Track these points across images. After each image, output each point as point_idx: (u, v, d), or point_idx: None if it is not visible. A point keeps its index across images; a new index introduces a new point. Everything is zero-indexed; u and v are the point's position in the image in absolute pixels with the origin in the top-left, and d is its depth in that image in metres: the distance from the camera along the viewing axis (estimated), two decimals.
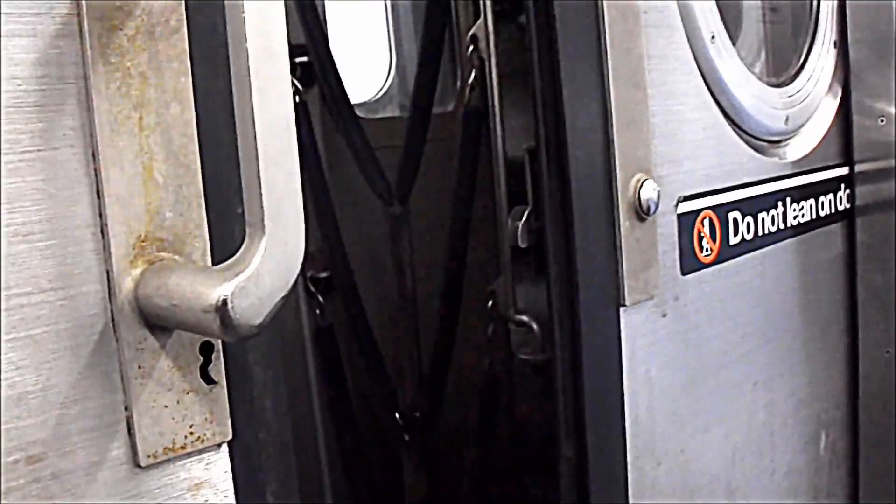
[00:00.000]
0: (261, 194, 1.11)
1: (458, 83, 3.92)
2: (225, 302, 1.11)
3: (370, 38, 4.00)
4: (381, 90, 3.98)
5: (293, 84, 2.94)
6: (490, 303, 3.73)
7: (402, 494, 3.51)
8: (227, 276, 1.13)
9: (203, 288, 1.14)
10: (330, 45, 3.09)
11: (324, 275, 3.06)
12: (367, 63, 3.96)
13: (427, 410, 3.46)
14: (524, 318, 3.53)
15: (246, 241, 1.14)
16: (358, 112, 3.35)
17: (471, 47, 3.70)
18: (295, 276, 1.15)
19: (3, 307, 1.18)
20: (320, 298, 2.96)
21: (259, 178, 1.11)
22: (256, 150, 1.11)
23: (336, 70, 3.13)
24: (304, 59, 3.06)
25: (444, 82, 3.79)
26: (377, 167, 3.36)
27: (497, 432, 3.70)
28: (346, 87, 3.20)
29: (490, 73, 3.38)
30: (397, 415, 3.43)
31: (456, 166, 3.56)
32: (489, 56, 3.41)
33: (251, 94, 1.10)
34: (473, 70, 3.62)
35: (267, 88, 1.10)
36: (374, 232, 3.47)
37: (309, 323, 2.98)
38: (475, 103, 3.57)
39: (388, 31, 4.00)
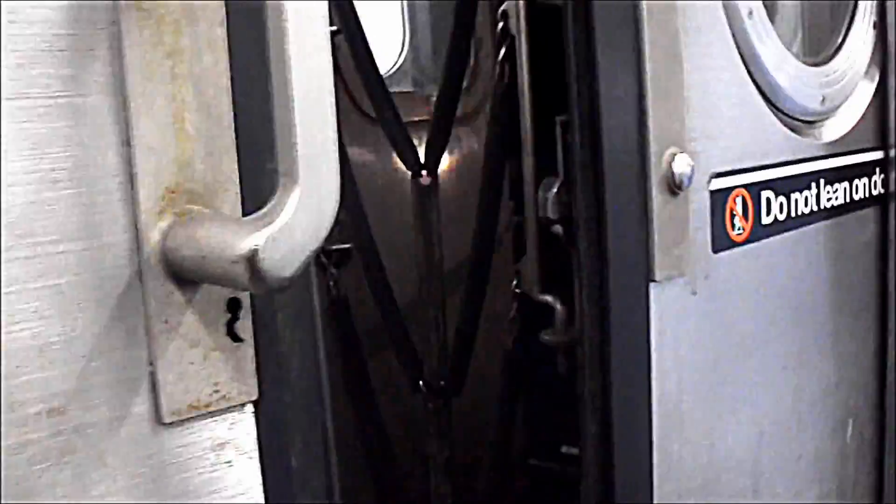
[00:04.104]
0: (295, 142, 1.08)
1: (472, 61, 3.92)
2: (255, 253, 1.08)
3: (383, 13, 3.99)
4: (394, 65, 3.98)
5: None
6: (515, 281, 3.72)
7: (426, 462, 3.51)
8: (258, 227, 1.10)
9: (233, 238, 1.11)
10: (356, 12, 3.06)
11: (337, 247, 3.05)
12: (379, 39, 3.96)
13: (451, 380, 3.46)
14: (548, 298, 3.52)
15: (278, 191, 1.11)
16: None
17: (500, 24, 3.68)
18: (328, 229, 1.12)
19: (28, 254, 1.15)
20: (333, 270, 2.94)
21: (293, 125, 1.08)
22: (291, 95, 1.07)
23: (365, 39, 3.11)
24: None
25: None
26: (407, 139, 3.35)
27: (516, 413, 3.69)
28: (375, 58, 3.19)
29: (520, 48, 3.36)
30: (421, 383, 3.43)
31: (485, 142, 3.55)
32: (519, 32, 3.39)
33: (287, 34, 1.06)
34: (502, 47, 3.60)
35: (304, 32, 1.07)
36: (399, 203, 3.47)
37: (321, 295, 2.99)
38: (505, 80, 3.55)
39: (403, 7, 3.99)
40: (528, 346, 3.62)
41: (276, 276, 1.09)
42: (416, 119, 3.48)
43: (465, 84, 3.88)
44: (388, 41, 3.97)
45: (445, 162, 3.58)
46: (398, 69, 3.98)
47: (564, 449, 3.41)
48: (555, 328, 3.48)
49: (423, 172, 3.49)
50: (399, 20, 4.02)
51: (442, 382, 3.46)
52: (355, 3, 3.19)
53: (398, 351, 3.39)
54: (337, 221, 2.62)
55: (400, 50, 3.99)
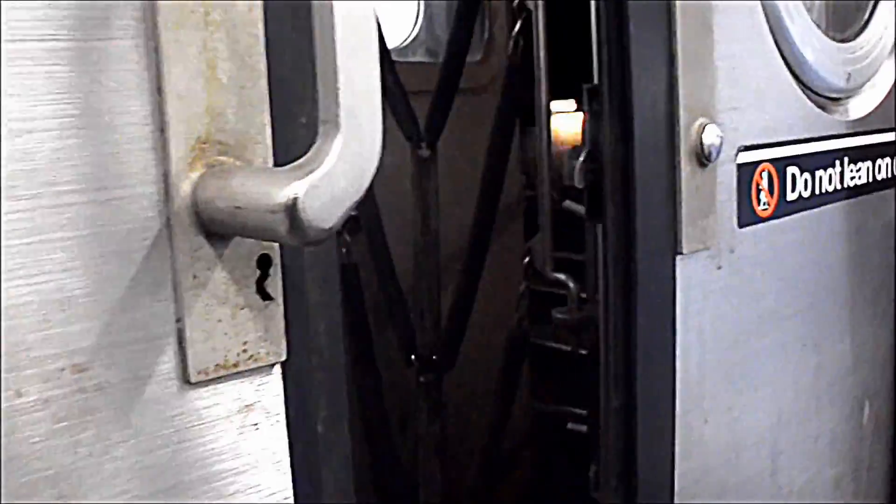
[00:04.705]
0: (337, 88, 1.03)
1: (486, 34, 3.90)
2: (295, 202, 1.03)
3: None
4: (409, 36, 3.95)
5: None
6: (526, 259, 3.70)
7: (416, 435, 3.51)
8: (298, 175, 1.05)
9: (271, 188, 1.06)
10: None
11: (351, 213, 3.05)
12: (394, 8, 3.93)
13: (444, 354, 3.45)
14: (561, 276, 3.50)
15: (319, 139, 1.06)
16: None
17: None
18: (371, 178, 1.08)
19: (51, 203, 1.10)
20: (346, 237, 2.92)
21: (336, 70, 1.03)
22: (335, 40, 1.03)
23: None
24: None
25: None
26: (408, 109, 3.33)
27: (516, 389, 3.68)
28: (382, 27, 3.17)
29: (536, 23, 3.33)
30: (413, 356, 3.43)
31: (495, 114, 3.53)
32: (536, 7, 3.36)
33: None
34: (518, 21, 3.57)
35: None
36: (400, 173, 3.45)
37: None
38: (518, 54, 3.53)
39: None
40: (535, 323, 3.61)
41: (316, 227, 1.05)
42: (431, 90, 3.45)
43: (478, 57, 3.86)
44: (402, 11, 3.93)
45: (452, 134, 3.56)
46: (413, 39, 3.94)
47: (570, 425, 3.40)
48: (568, 306, 3.47)
49: (423, 144, 3.48)
50: None
51: (434, 357, 3.45)
52: None
53: (394, 322, 3.38)
54: None
55: (415, 20, 3.94)
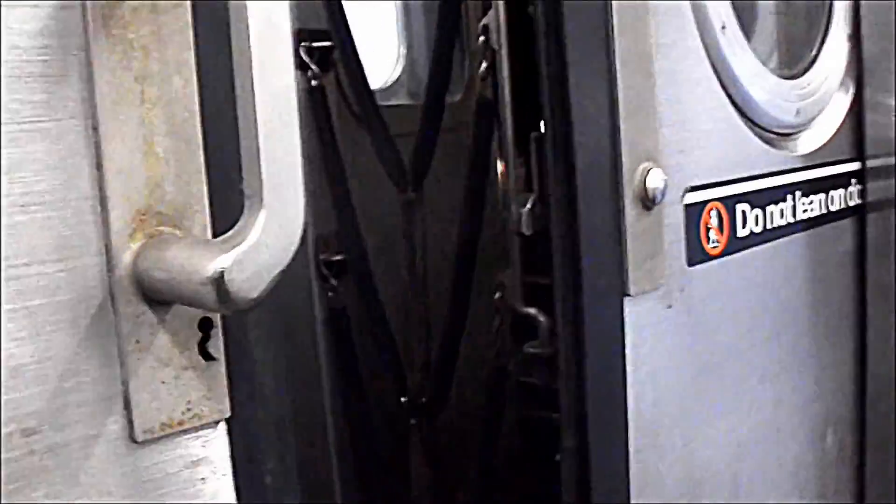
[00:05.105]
0: (260, 166, 1.10)
1: (467, 73, 3.95)
2: (222, 274, 1.10)
3: (379, 25, 4.01)
4: (390, 78, 3.99)
5: (311, 68, 2.97)
6: (497, 294, 3.73)
7: (408, 479, 3.52)
8: (225, 249, 1.12)
9: (200, 260, 1.13)
10: (351, 29, 3.09)
11: (338, 258, 3.08)
12: (375, 51, 3.97)
13: (434, 396, 3.47)
14: (531, 310, 3.53)
15: (244, 214, 1.13)
16: None
17: (482, 37, 3.70)
18: (294, 250, 1.14)
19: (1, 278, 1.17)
20: (333, 281, 2.96)
21: (258, 149, 1.10)
22: (256, 120, 1.10)
23: (357, 54, 3.13)
24: (323, 43, 3.08)
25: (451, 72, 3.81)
26: (395, 152, 3.37)
27: (502, 425, 3.70)
28: (366, 72, 3.22)
29: (501, 63, 3.38)
30: (404, 399, 3.44)
31: (468, 156, 3.57)
32: (500, 46, 3.42)
33: (251, 63, 1.09)
34: (484, 61, 3.62)
35: (268, 56, 1.09)
36: (387, 217, 3.49)
37: (321, 305, 3.00)
38: (487, 93, 3.58)
39: (398, 18, 4.01)
40: (516, 356, 3.64)
41: (243, 298, 1.12)
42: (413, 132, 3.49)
43: (458, 97, 3.91)
44: (384, 54, 3.98)
45: (437, 174, 3.59)
46: (395, 82, 3.99)
47: (559, 457, 3.42)
48: (539, 340, 3.50)
49: (409, 188, 3.52)
50: (394, 32, 4.04)
51: (424, 399, 3.48)
52: (349, 19, 3.22)
53: (384, 365, 3.41)
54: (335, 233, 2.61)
55: (395, 63, 3.99)
